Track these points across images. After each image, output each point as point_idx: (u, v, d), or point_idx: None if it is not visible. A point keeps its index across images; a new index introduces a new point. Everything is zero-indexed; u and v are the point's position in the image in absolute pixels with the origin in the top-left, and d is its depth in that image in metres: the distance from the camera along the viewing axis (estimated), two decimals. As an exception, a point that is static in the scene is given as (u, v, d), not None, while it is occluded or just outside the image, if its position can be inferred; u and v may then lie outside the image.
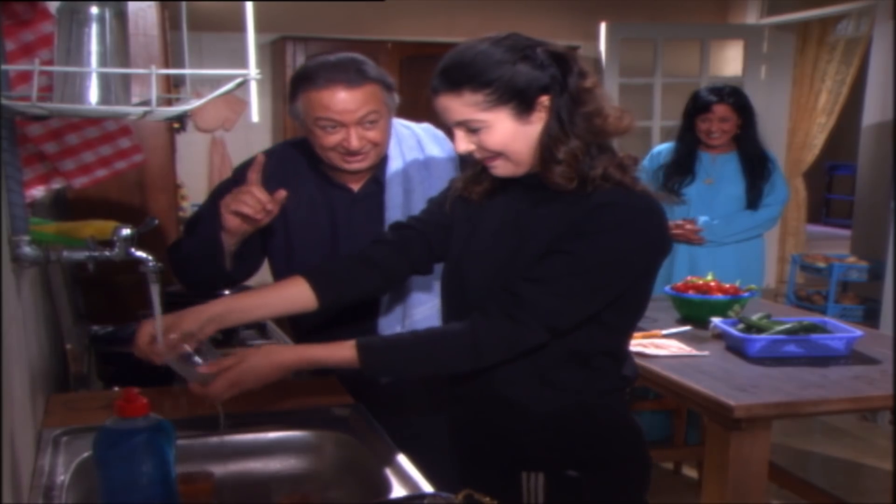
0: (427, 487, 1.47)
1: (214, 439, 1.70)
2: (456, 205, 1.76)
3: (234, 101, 5.93)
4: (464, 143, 1.61)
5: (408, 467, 1.56)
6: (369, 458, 1.64)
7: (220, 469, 1.66)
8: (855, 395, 2.39)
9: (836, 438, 4.45)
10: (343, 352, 1.59)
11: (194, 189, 5.75)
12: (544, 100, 1.55)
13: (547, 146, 1.56)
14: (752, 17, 6.51)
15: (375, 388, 1.92)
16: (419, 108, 7.24)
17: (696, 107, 3.91)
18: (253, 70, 1.23)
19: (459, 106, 1.57)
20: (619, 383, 1.71)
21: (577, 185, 1.56)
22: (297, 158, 2.15)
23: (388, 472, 1.55)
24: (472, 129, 1.58)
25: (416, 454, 1.62)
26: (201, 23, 5.47)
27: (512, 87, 1.53)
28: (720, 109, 3.85)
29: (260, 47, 6.01)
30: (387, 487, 1.49)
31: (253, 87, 1.26)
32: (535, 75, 1.54)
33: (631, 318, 1.69)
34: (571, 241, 1.55)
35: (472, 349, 1.57)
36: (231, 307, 1.71)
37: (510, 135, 1.57)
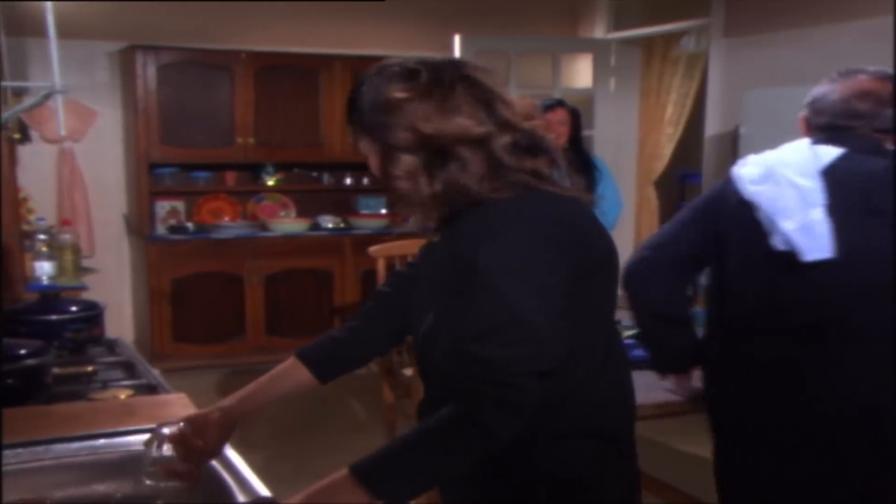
0: (265, 493, 1.49)
1: (50, 462, 1.65)
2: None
3: (83, 112, 5.73)
4: None
5: (248, 475, 1.56)
6: (217, 475, 1.62)
7: (62, 493, 1.61)
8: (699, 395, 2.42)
9: (689, 435, 4.59)
10: (347, 494, 1.31)
11: (42, 202, 5.53)
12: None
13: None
14: (599, 32, 6.74)
15: None
16: (276, 119, 7.16)
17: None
18: (57, 81, 1.20)
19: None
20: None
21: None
22: None
23: (231, 483, 1.54)
24: None
25: None
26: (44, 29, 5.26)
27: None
28: (560, 113, 4.04)
29: (108, 55, 5.84)
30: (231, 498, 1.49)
31: (59, 101, 1.23)
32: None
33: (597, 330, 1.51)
34: (475, 277, 1.38)
35: (476, 428, 1.33)
36: (245, 408, 1.64)
37: None
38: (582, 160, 4.05)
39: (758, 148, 5.07)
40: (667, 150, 7.00)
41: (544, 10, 6.88)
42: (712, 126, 5.69)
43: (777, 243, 2.07)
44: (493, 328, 1.33)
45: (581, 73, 6.92)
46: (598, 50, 6.63)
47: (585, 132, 4.21)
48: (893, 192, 2.04)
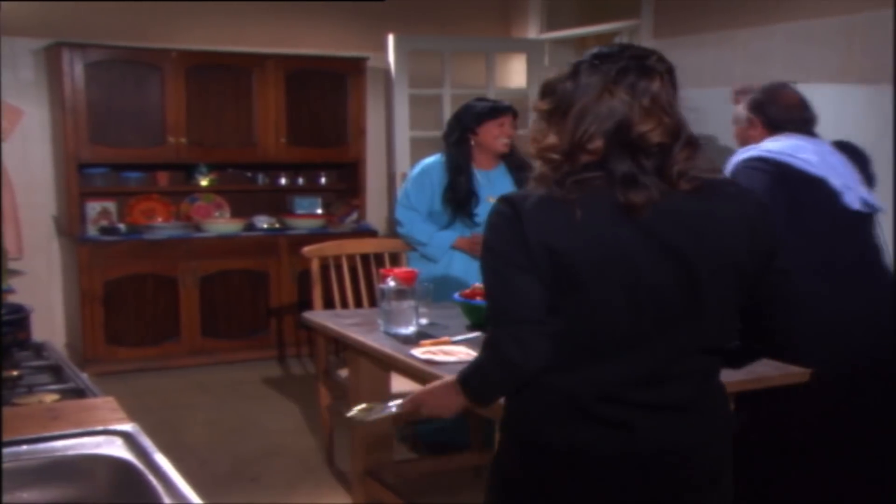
0: (195, 498, 1.47)
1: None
2: None
3: (9, 111, 5.61)
4: None
5: (176, 479, 1.54)
6: (144, 481, 1.60)
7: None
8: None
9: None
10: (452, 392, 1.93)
11: (-35, 203, 5.40)
12: None
13: None
14: (533, 32, 6.80)
15: None
16: (208, 118, 7.08)
17: (486, 113, 3.97)
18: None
19: None
20: None
21: None
22: None
23: (159, 487, 1.53)
24: None
25: None
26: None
27: None
28: (511, 117, 3.99)
29: (33, 53, 5.73)
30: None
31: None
32: None
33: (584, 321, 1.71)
34: None
35: (501, 361, 1.76)
36: None
37: None
38: (517, 159, 4.06)
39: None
40: (602, 148, 7.07)
41: (478, 10, 6.92)
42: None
43: (852, 203, 2.97)
44: (489, 293, 1.75)
45: (515, 73, 6.97)
46: (532, 50, 6.68)
47: (520, 131, 4.20)
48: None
